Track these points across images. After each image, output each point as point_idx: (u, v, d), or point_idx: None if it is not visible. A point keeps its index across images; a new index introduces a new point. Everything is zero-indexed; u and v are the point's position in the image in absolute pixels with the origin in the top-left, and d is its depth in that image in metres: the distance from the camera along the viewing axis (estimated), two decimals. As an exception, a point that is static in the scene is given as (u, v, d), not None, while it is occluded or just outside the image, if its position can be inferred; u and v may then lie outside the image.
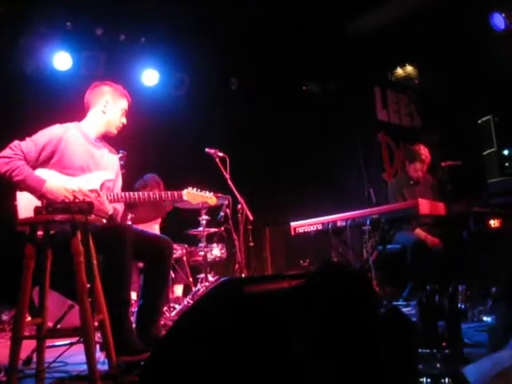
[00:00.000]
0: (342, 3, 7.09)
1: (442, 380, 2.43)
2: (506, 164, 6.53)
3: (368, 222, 4.51)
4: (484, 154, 6.70)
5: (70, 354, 3.35)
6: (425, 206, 4.33)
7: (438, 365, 2.72)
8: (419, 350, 2.81)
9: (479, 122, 6.78)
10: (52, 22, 6.74)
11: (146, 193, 3.82)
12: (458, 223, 5.30)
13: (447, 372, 2.52)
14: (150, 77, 7.73)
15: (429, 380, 2.44)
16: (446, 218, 4.83)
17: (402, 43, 7.79)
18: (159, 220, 6.34)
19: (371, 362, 2.08)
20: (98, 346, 3.50)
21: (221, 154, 5.44)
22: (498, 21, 6.84)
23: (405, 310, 4.98)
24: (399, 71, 8.74)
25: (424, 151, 6.04)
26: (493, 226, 5.27)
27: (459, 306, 4.85)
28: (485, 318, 4.90)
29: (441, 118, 8.81)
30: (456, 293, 4.88)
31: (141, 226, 5.44)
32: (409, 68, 8.66)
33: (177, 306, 5.67)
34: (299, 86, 8.83)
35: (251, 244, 6.24)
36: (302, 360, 2.03)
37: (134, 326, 3.61)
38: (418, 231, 5.58)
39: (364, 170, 8.49)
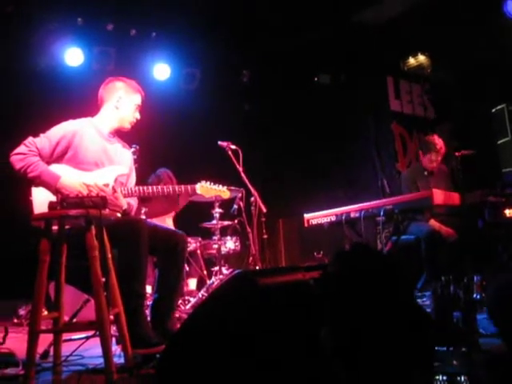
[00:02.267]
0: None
1: (459, 378, 2.41)
2: (521, 153, 6.48)
3: (382, 213, 4.50)
4: (498, 143, 6.66)
5: (86, 348, 3.36)
6: (439, 196, 4.32)
7: (455, 362, 2.70)
8: (435, 348, 2.79)
9: (493, 110, 6.74)
10: (63, 18, 6.76)
11: (159, 187, 3.82)
12: (473, 213, 5.27)
13: (464, 370, 2.50)
14: (161, 71, 7.73)
15: (445, 378, 2.42)
16: (461, 208, 4.81)
17: (414, 32, 7.73)
18: (173, 214, 6.35)
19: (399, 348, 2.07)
20: (113, 340, 3.52)
21: (233, 147, 5.44)
22: (512, 8, 6.78)
23: (419, 300, 4.98)
24: (411, 61, 8.68)
25: (438, 141, 5.99)
26: (508, 215, 5.24)
27: (474, 296, 4.84)
28: (500, 308, 4.87)
29: (454, 107, 8.75)
30: (471, 283, 4.87)
31: (154, 220, 5.46)
32: (421, 57, 8.59)
33: (191, 299, 5.69)
34: (311, 78, 8.80)
35: (265, 236, 6.23)
36: (326, 349, 2.03)
37: (148, 319, 3.63)
38: (432, 222, 5.55)
39: (377, 161, 8.47)
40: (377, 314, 2.05)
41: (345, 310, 2.06)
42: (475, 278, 4.96)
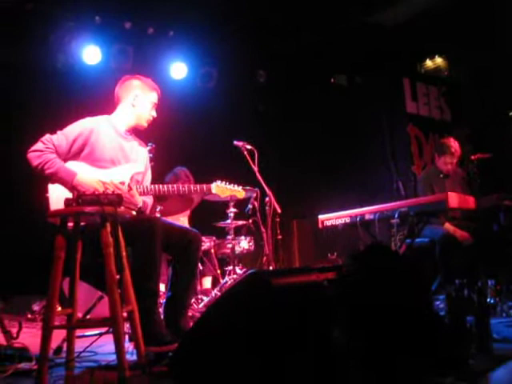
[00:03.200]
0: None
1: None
2: (538, 157, 6.44)
3: (396, 215, 4.47)
4: (515, 147, 6.62)
5: (99, 344, 3.38)
6: (454, 199, 4.28)
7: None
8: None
9: (510, 114, 6.69)
10: (81, 17, 6.80)
11: (175, 186, 3.83)
12: (488, 217, 5.24)
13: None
14: (178, 70, 7.74)
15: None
16: (476, 211, 4.77)
17: (432, 34, 7.70)
18: (188, 213, 6.37)
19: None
20: (126, 337, 3.53)
21: (249, 147, 5.44)
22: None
23: (433, 304, 4.96)
24: (429, 63, 8.66)
25: (454, 144, 5.95)
26: (523, 219, 5.21)
27: (488, 300, 4.81)
28: (515, 313, 4.85)
29: (471, 110, 8.71)
30: (485, 287, 4.85)
31: (170, 219, 5.48)
32: (438, 60, 8.57)
33: (205, 298, 5.70)
34: (327, 79, 8.78)
35: (279, 237, 6.23)
36: (340, 350, 2.03)
37: (162, 317, 3.65)
38: (447, 225, 5.52)
39: (392, 163, 8.44)
40: (392, 315, 2.05)
41: (360, 311, 2.06)
42: (489, 283, 4.93)
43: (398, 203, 4.60)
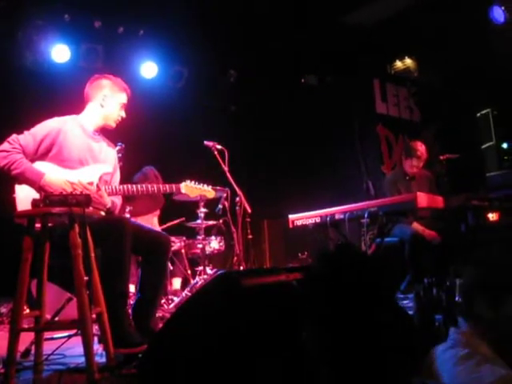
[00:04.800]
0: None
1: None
2: (505, 157, 6.54)
3: (366, 215, 4.50)
4: (483, 147, 6.71)
5: (68, 347, 3.35)
6: (423, 199, 4.32)
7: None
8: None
9: (478, 115, 6.79)
10: (50, 15, 6.72)
11: (144, 186, 3.81)
12: (457, 216, 5.30)
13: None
14: (148, 69, 7.71)
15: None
16: (444, 211, 4.83)
17: (401, 36, 7.77)
18: (158, 212, 6.34)
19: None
20: (95, 339, 3.51)
21: (219, 147, 5.44)
22: (498, 14, 6.83)
23: (402, 302, 5.01)
24: (398, 64, 8.74)
25: (421, 148, 6.01)
26: (491, 219, 5.28)
27: (456, 299, 4.86)
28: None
29: (440, 110, 8.81)
30: (453, 286, 4.90)
31: (139, 219, 5.45)
32: (408, 61, 8.65)
33: (175, 299, 5.68)
34: (297, 79, 8.82)
35: (249, 236, 6.25)
36: (309, 350, 2.03)
37: (131, 318, 3.62)
38: (416, 225, 5.59)
39: (362, 163, 8.50)
40: (359, 315, 2.06)
41: (327, 312, 2.07)
42: (457, 281, 4.99)
43: (367, 203, 4.63)
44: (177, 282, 6.55)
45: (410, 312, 3.58)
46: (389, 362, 2.10)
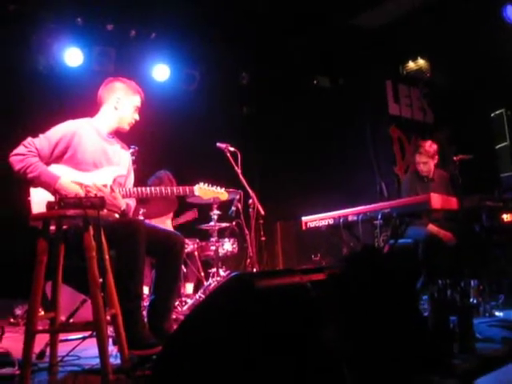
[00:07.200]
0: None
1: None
2: (519, 158, 6.49)
3: (379, 217, 4.48)
4: (496, 147, 6.67)
5: (82, 348, 3.36)
6: (436, 200, 4.30)
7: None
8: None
9: (492, 115, 6.75)
10: (62, 18, 6.76)
11: (157, 188, 3.82)
12: (471, 217, 5.28)
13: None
14: (160, 72, 7.74)
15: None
16: (459, 212, 4.80)
17: (414, 36, 7.75)
18: (171, 215, 6.35)
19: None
20: (110, 340, 3.52)
21: (232, 149, 5.44)
22: (511, 13, 6.79)
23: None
24: (411, 65, 8.70)
25: (427, 146, 5.96)
26: (506, 220, 5.25)
27: (471, 300, 4.84)
28: (497, 313, 4.88)
29: (453, 111, 8.77)
30: (468, 287, 4.88)
31: (153, 221, 5.46)
32: (420, 61, 8.61)
33: (188, 301, 5.69)
34: (310, 81, 8.81)
35: (262, 238, 6.23)
36: (331, 351, 2.02)
37: (145, 320, 3.63)
38: (431, 226, 5.55)
39: (375, 164, 8.47)
40: (381, 316, 2.06)
41: (353, 312, 2.07)
42: (472, 283, 4.96)
43: (380, 204, 4.61)
44: (189, 287, 6.55)
45: (425, 314, 3.57)
46: (406, 362, 2.10)
